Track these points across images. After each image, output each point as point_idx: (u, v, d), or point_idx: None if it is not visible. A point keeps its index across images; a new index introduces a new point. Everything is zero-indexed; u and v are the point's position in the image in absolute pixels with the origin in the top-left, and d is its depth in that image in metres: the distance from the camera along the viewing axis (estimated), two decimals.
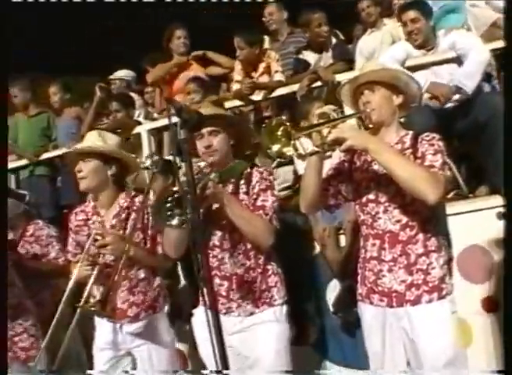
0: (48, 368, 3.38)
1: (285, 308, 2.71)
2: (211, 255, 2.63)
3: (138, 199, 3.04)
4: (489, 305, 3.44)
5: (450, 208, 2.98)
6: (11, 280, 3.61)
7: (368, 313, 2.61)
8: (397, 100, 2.59)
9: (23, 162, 5.46)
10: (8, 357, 3.36)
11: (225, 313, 2.61)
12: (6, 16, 2.42)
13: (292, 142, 2.32)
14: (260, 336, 2.63)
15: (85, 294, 2.75)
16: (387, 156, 2.37)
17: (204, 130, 2.65)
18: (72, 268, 3.18)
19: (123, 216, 3.03)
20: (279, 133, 2.30)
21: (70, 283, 2.90)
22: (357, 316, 3.29)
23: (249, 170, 2.75)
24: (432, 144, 2.45)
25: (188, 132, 1.89)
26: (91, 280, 2.83)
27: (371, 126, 2.54)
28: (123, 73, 5.96)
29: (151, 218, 3.02)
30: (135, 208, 3.01)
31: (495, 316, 3.39)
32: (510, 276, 2.08)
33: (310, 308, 3.74)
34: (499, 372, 2.12)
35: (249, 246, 2.67)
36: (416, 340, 2.44)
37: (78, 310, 2.79)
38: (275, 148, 2.32)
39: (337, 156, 2.77)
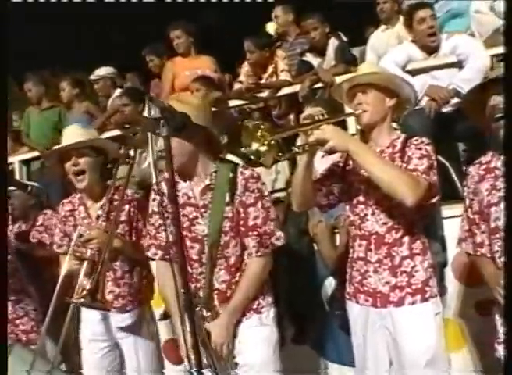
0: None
1: (272, 311, 2.66)
2: None
3: (122, 191, 3.03)
4: (483, 308, 3.46)
5: (447, 211, 3.03)
6: (16, 266, 3.73)
7: (354, 312, 2.68)
8: (390, 102, 2.62)
9: (35, 154, 5.58)
10: (10, 339, 3.46)
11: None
12: (5, 17, 2.48)
13: (269, 144, 2.36)
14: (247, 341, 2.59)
15: (76, 287, 2.81)
16: (367, 158, 2.41)
17: None
18: (60, 259, 3.22)
19: (109, 207, 3.06)
20: (258, 134, 2.35)
21: (60, 276, 2.95)
22: None
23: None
24: (420, 148, 2.49)
25: (172, 131, 1.90)
26: (81, 274, 2.87)
27: (360, 127, 2.59)
28: (103, 72, 5.89)
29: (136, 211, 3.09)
30: (119, 199, 3.01)
31: (489, 319, 3.42)
32: (510, 277, 2.12)
33: (307, 306, 3.78)
34: None
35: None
36: (398, 339, 2.51)
37: (71, 304, 2.85)
38: (254, 146, 2.36)
39: (333, 158, 2.83)
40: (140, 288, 3.18)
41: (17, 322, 3.69)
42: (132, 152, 3.21)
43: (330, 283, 3.80)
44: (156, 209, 2.67)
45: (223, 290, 2.57)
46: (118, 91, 5.52)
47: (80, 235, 2.93)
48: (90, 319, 3.12)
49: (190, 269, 2.58)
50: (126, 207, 3.08)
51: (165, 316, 3.65)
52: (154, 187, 2.70)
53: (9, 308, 3.66)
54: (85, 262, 2.87)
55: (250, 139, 2.34)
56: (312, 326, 3.80)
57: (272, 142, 2.35)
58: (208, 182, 2.56)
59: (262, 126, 2.36)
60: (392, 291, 2.53)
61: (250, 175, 2.58)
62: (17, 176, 5.69)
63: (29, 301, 3.76)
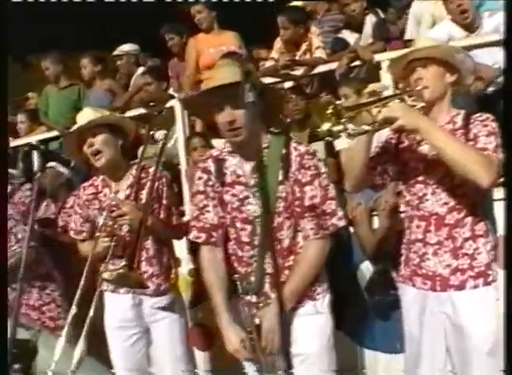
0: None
1: (327, 298, 2.52)
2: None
3: (151, 170, 2.98)
4: None
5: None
6: (41, 252, 3.64)
7: (409, 296, 2.55)
8: (450, 78, 2.49)
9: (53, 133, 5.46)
10: (38, 326, 3.36)
11: None
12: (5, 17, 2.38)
13: (342, 121, 2.24)
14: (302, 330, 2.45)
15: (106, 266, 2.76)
16: (439, 137, 2.28)
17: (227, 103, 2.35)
18: (80, 246, 3.17)
19: (137, 186, 2.97)
20: (329, 112, 2.22)
21: (89, 259, 2.85)
22: (391, 298, 3.30)
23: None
24: (486, 125, 2.36)
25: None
26: (110, 253, 2.80)
27: (422, 104, 2.46)
28: (128, 48, 5.73)
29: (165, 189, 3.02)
30: (149, 178, 2.94)
31: None
32: (509, 276, 2.04)
33: (342, 291, 3.67)
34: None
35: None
36: (459, 325, 2.39)
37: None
38: (325, 126, 2.24)
39: (384, 134, 2.70)
40: (170, 269, 3.10)
41: (44, 308, 3.62)
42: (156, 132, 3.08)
43: (367, 268, 3.71)
44: (202, 189, 2.50)
45: (275, 274, 2.38)
46: (140, 69, 5.37)
47: (111, 211, 2.83)
48: (118, 305, 3.01)
49: (240, 253, 2.46)
50: (155, 185, 2.96)
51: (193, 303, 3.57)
52: (201, 164, 2.57)
53: (35, 295, 3.61)
54: (114, 241, 2.80)
55: (322, 117, 2.21)
56: (348, 311, 3.68)
57: (345, 120, 2.22)
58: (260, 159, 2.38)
59: (335, 103, 2.23)
60: (453, 274, 2.41)
61: (305, 151, 2.44)
62: (34, 157, 5.56)
63: (55, 288, 3.68)
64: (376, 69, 4.12)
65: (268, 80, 4.25)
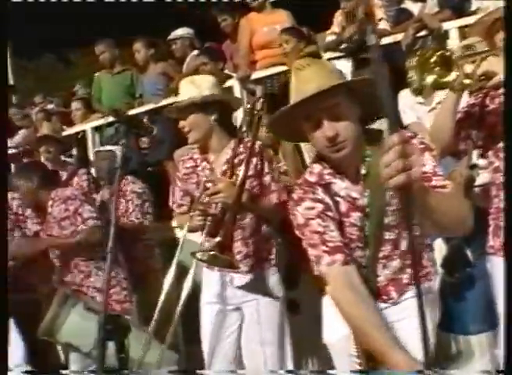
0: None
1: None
2: None
3: (250, 144, 2.79)
4: None
5: None
6: (103, 236, 3.61)
7: (501, 267, 2.40)
8: None
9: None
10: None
11: None
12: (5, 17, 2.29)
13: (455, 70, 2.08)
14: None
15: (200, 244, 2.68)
16: None
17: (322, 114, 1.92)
18: (177, 219, 3.11)
19: (235, 161, 2.81)
20: (433, 60, 2.07)
21: (182, 236, 2.78)
22: (470, 275, 3.15)
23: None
24: None
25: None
26: (205, 231, 2.70)
27: None
28: (182, 32, 5.66)
29: (265, 165, 2.86)
30: (248, 153, 2.76)
31: None
32: (509, 275, 1.87)
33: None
34: (498, 372, 1.88)
35: None
36: None
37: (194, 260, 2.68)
38: (430, 79, 2.10)
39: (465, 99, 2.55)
40: (267, 249, 2.94)
41: (110, 292, 3.53)
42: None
43: (440, 246, 3.54)
44: (315, 215, 2.03)
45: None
46: (195, 52, 5.30)
47: (205, 188, 2.73)
48: (212, 281, 2.92)
49: None
50: (254, 160, 2.80)
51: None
52: (309, 195, 2.06)
53: (101, 278, 3.56)
54: (208, 219, 2.69)
55: (425, 69, 2.06)
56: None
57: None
58: (364, 172, 2.03)
59: (442, 51, 2.09)
60: None
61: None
62: (89, 144, 5.59)
63: (120, 271, 3.65)
64: (443, 38, 3.95)
65: (329, 55, 4.13)
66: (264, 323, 2.89)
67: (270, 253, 2.94)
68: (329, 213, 2.02)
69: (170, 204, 3.10)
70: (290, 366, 2.99)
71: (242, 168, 2.69)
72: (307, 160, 4.08)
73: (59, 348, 4.22)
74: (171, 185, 3.28)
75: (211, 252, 2.49)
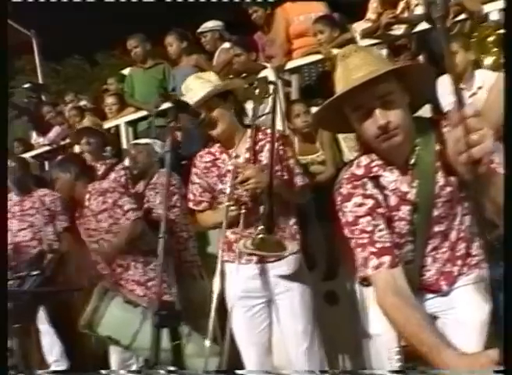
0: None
1: None
2: None
3: (268, 131, 2.83)
4: None
5: None
6: (143, 228, 3.61)
7: None
8: None
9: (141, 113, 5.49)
10: (145, 301, 3.31)
11: None
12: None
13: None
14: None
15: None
16: None
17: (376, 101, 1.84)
18: (200, 217, 3.04)
19: (256, 148, 2.82)
20: (491, 41, 1.99)
21: (223, 229, 2.69)
22: None
23: None
24: None
25: None
26: (242, 220, 2.66)
27: None
28: (212, 24, 5.65)
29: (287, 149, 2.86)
30: (267, 139, 2.80)
31: None
32: (509, 275, 1.76)
33: None
34: (498, 372, 1.76)
35: None
36: None
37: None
38: (489, 60, 2.02)
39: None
40: (291, 234, 2.88)
41: (149, 284, 3.59)
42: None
43: None
44: (365, 212, 1.96)
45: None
46: (226, 44, 5.26)
47: (235, 177, 2.69)
48: (241, 275, 2.84)
49: None
50: (275, 145, 2.79)
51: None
52: (357, 190, 2.00)
53: (140, 271, 3.60)
54: (242, 212, 2.67)
55: (485, 49, 1.98)
56: None
57: None
58: (412, 161, 1.95)
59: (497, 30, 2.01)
60: None
61: None
62: (123, 138, 5.59)
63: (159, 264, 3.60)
64: (481, 21, 3.83)
65: (366, 41, 4.04)
66: (296, 315, 2.85)
67: (295, 239, 2.88)
68: (379, 210, 1.95)
69: (188, 202, 3.05)
70: (324, 359, 2.94)
71: (265, 153, 2.74)
72: (345, 150, 4.03)
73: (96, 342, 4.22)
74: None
75: (259, 236, 2.44)
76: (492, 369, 1.50)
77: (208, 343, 2.46)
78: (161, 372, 2.20)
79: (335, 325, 3.74)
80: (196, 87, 2.84)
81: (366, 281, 2.49)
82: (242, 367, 2.94)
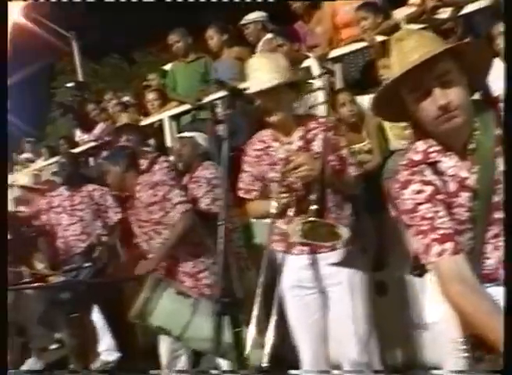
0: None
1: None
2: None
3: (321, 120, 2.81)
4: None
5: None
6: (195, 220, 3.63)
7: None
8: None
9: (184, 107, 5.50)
10: (195, 293, 3.33)
11: None
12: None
13: None
14: None
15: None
16: None
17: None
18: (250, 206, 3.01)
19: (308, 137, 2.78)
20: None
21: (271, 217, 2.68)
22: None
23: None
24: None
25: None
26: (293, 208, 2.64)
27: None
28: (255, 15, 5.60)
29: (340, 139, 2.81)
30: (321, 128, 2.77)
31: None
32: (509, 276, 1.72)
33: None
34: (496, 372, 1.68)
35: None
36: None
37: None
38: None
39: None
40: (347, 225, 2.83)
41: (199, 276, 3.61)
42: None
43: None
44: (425, 199, 1.90)
45: None
46: (269, 35, 5.24)
47: (287, 164, 2.66)
48: (293, 266, 2.84)
49: None
50: (329, 134, 2.77)
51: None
52: (416, 177, 1.94)
53: (190, 263, 3.60)
54: (293, 199, 2.64)
55: None
56: None
57: None
58: (472, 146, 1.88)
59: None
60: None
61: None
62: (167, 133, 5.64)
63: (208, 255, 3.62)
64: None
65: (411, 27, 3.96)
66: (351, 306, 2.82)
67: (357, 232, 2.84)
68: (439, 196, 1.89)
69: (238, 192, 3.00)
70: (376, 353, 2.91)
71: (317, 142, 2.70)
72: (391, 138, 3.98)
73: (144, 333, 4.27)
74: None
75: (311, 218, 2.40)
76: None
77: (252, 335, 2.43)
78: (213, 372, 2.19)
79: (384, 316, 3.69)
80: (263, 68, 2.75)
81: (419, 271, 2.49)
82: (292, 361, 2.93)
